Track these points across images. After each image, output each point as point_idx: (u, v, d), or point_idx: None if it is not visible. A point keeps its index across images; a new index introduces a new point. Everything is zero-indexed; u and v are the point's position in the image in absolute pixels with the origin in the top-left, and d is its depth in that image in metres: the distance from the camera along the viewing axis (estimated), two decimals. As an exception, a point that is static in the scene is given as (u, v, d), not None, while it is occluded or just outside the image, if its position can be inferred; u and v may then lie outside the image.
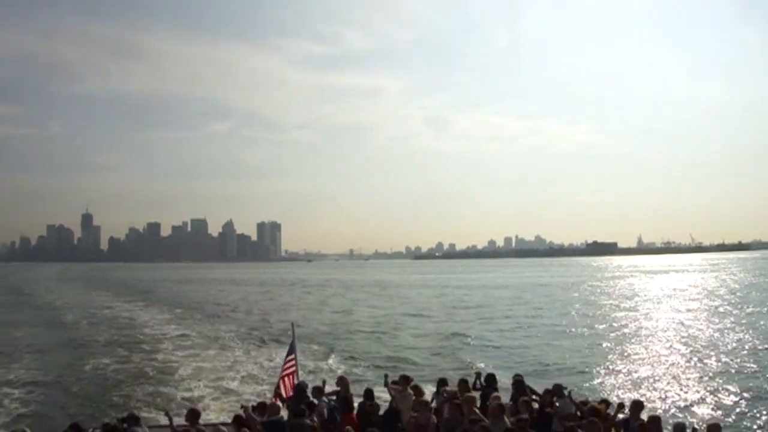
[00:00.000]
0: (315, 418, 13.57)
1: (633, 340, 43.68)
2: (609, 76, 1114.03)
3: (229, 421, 14.55)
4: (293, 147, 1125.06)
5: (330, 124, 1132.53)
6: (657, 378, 30.92)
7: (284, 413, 14.39)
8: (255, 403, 15.56)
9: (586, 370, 33.67)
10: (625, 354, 38.15)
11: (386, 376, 16.46)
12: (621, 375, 32.21)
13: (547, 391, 15.19)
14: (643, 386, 29.29)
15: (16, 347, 43.09)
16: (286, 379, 16.42)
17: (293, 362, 16.85)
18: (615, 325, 52.78)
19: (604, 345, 41.96)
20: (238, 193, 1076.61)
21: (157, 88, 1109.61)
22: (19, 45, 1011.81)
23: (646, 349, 39.97)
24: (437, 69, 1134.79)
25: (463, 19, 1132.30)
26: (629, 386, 29.43)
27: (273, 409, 14.04)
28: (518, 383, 15.68)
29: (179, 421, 14.27)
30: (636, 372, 32.73)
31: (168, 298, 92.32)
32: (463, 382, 16.10)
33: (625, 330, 49.19)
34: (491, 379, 16.20)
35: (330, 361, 36.68)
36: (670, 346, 40.85)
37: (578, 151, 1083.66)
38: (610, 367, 34.23)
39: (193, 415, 13.66)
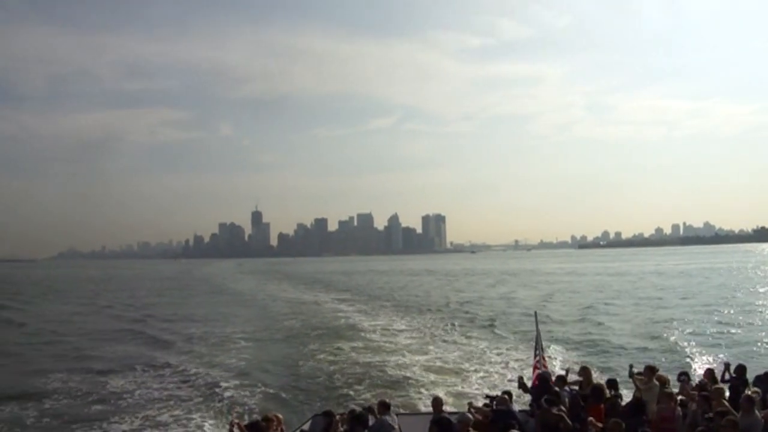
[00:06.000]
0: (561, 408, 13.50)
1: None
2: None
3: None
4: (456, 139, 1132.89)
5: (491, 114, 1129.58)
6: None
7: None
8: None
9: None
10: None
11: (631, 366, 15.93)
12: None
13: None
14: None
15: (230, 334, 45.29)
16: (533, 369, 16.57)
17: (538, 352, 16.91)
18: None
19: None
20: (403, 187, 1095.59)
21: (319, 87, 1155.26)
22: (185, 53, 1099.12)
23: None
24: (596, 54, 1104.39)
25: (618, 1, 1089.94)
26: None
27: (501, 399, 14.15)
28: None
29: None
30: None
31: (366, 291, 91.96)
32: (709, 373, 15.47)
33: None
34: (741, 370, 15.32)
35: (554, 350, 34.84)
36: None
37: (746, 133, 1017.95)
38: None
39: (438, 402, 14.06)
